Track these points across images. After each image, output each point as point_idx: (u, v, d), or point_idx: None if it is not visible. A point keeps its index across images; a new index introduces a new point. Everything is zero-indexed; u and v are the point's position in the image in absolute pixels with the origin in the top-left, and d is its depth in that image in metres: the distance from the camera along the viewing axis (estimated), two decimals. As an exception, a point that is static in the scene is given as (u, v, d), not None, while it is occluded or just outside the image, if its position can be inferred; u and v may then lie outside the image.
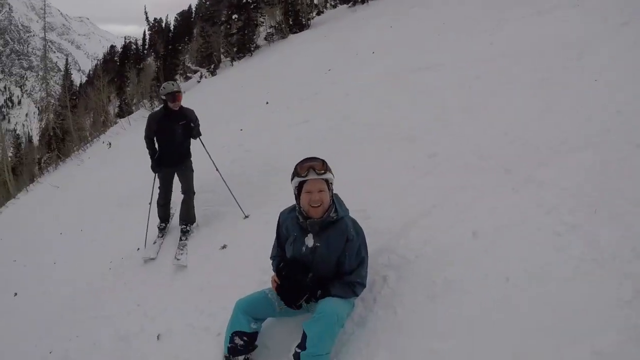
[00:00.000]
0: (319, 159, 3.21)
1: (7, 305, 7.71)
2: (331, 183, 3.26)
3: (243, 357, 3.42)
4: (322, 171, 3.16)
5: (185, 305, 4.58)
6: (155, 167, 6.21)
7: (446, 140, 5.15)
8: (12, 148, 41.98)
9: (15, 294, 7.92)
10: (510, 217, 3.52)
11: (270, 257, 3.68)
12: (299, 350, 3.00)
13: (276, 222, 3.61)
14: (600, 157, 3.72)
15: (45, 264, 8.49)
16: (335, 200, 3.33)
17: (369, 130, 6.35)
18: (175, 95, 5.85)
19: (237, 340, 3.35)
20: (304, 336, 2.99)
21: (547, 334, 2.54)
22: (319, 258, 3.28)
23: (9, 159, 35.46)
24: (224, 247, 5.38)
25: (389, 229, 4.03)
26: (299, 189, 3.28)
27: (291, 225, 3.44)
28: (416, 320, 3.12)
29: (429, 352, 2.85)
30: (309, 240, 3.31)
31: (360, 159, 5.69)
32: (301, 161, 3.24)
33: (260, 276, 4.02)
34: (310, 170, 3.15)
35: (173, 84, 5.98)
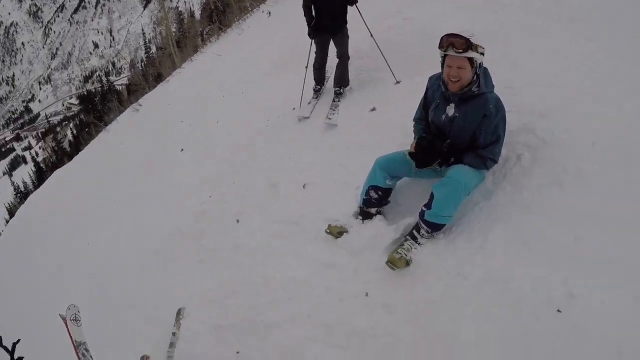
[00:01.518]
0: (463, 37, 3.20)
1: (175, 158, 8.90)
2: (476, 60, 3.27)
3: (375, 209, 3.92)
4: (461, 50, 3.19)
5: (331, 160, 5.11)
6: (313, 33, 6.44)
7: (605, 26, 4.71)
8: (175, 23, 44.19)
9: (182, 150, 9.06)
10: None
11: (413, 120, 3.92)
12: (424, 209, 3.38)
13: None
14: None
15: (208, 123, 9.35)
16: (481, 75, 3.36)
17: (545, 9, 5.88)
18: None
19: (372, 194, 3.82)
20: (431, 197, 3.34)
21: None
22: (456, 128, 3.46)
23: (173, 33, 37.44)
24: (374, 109, 5.70)
25: (533, 110, 3.99)
26: (442, 60, 3.41)
27: (436, 91, 3.60)
28: (538, 204, 3.28)
29: (542, 235, 3.06)
30: (450, 110, 3.48)
31: (525, 31, 5.37)
32: (447, 34, 3.28)
33: (402, 139, 4.21)
34: (450, 46, 3.22)
35: None
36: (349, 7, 6.31)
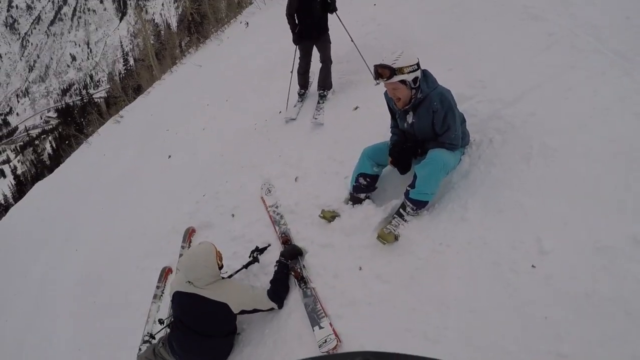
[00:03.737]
0: (387, 66, 3.55)
1: (163, 165, 9.25)
2: (407, 79, 3.60)
3: (364, 195, 4.31)
4: (387, 78, 3.58)
5: (320, 154, 5.50)
6: (297, 40, 6.84)
7: (566, 20, 5.20)
8: (152, 36, 44.24)
9: (169, 156, 9.38)
10: (612, 99, 3.83)
11: (390, 127, 4.29)
12: (409, 189, 3.78)
13: None
14: None
15: (194, 130, 9.71)
16: (422, 80, 3.71)
17: (496, 7, 6.35)
18: None
19: (361, 181, 4.21)
20: (415, 177, 3.73)
21: (618, 203, 3.08)
22: (418, 130, 3.89)
23: (152, 45, 37.56)
24: (357, 108, 6.09)
25: (502, 99, 4.47)
26: None
27: (395, 105, 3.99)
28: (509, 177, 3.72)
29: (515, 204, 3.49)
30: (409, 117, 3.89)
31: (485, 32, 5.87)
32: (376, 65, 3.63)
33: (385, 131, 4.45)
34: (379, 77, 3.63)
35: None
36: (329, 15, 6.71)
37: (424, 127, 3.83)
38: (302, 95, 7.36)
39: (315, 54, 6.95)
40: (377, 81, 3.73)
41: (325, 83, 6.96)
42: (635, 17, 4.71)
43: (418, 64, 3.64)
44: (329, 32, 6.88)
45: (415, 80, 3.65)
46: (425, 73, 3.79)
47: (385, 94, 3.99)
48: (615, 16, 4.87)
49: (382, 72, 3.59)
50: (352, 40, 6.95)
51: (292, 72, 7.27)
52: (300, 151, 5.88)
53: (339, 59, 7.32)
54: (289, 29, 6.81)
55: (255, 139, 7.18)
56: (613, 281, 2.72)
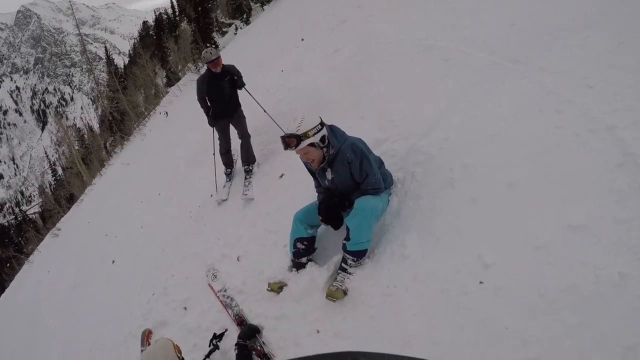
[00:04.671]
0: (293, 135, 3.67)
1: (108, 272, 9.02)
2: (314, 141, 3.70)
3: (305, 258, 4.27)
4: (294, 146, 3.70)
5: (256, 229, 5.47)
6: (212, 122, 6.95)
7: (458, 43, 5.56)
8: (76, 141, 44.11)
9: (113, 262, 9.20)
10: (515, 103, 4.07)
11: (315, 187, 4.33)
12: (345, 242, 3.77)
13: None
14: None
15: (133, 230, 9.62)
16: (330, 136, 3.82)
17: (393, 47, 6.76)
18: (214, 62, 6.52)
19: (299, 245, 4.19)
20: (347, 229, 3.74)
21: (545, 199, 3.18)
22: (339, 184, 3.94)
23: (77, 150, 37.46)
24: (282, 176, 6.16)
25: (414, 133, 4.65)
26: None
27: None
28: (438, 205, 3.80)
29: (449, 229, 3.54)
30: (328, 174, 3.95)
31: (387, 73, 6.19)
32: (282, 136, 3.74)
33: (313, 193, 4.51)
34: (288, 146, 3.73)
35: (211, 52, 6.59)
36: (239, 91, 6.87)
37: (344, 180, 3.88)
38: (229, 175, 7.39)
39: (233, 131, 7.03)
40: (288, 150, 3.77)
41: (248, 158, 7.01)
42: (519, 22, 5.12)
43: (321, 123, 3.74)
44: (242, 107, 7.01)
45: (322, 139, 3.74)
46: (332, 128, 3.88)
47: (301, 158, 4.05)
48: (501, 26, 5.27)
49: (290, 141, 3.68)
50: (265, 111, 7.10)
51: (214, 154, 7.32)
52: (237, 230, 5.84)
53: (257, 131, 7.44)
54: (203, 112, 6.90)
55: (192, 227, 7.14)
56: (561, 273, 2.76)
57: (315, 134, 3.68)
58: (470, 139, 4.10)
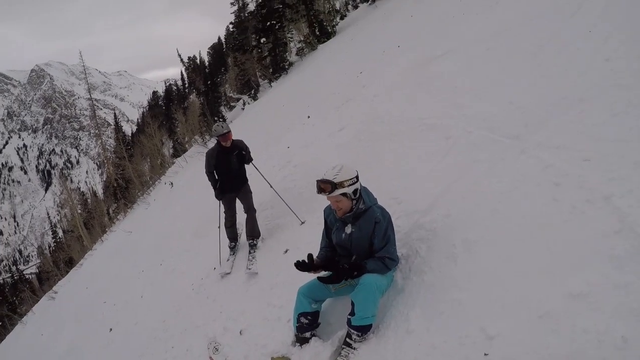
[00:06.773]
0: (329, 181, 3.82)
1: (105, 339, 8.87)
2: (347, 192, 3.87)
3: (309, 333, 4.24)
4: (328, 192, 3.83)
5: (259, 303, 5.45)
6: (219, 195, 7.10)
7: (459, 121, 5.75)
8: (79, 205, 44.27)
9: (111, 330, 9.06)
10: (515, 179, 4.18)
11: (320, 248, 4.42)
12: (350, 317, 3.77)
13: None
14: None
15: (132, 299, 9.55)
16: (363, 193, 4.01)
17: (396, 125, 6.99)
18: (225, 136, 6.77)
19: (303, 320, 4.18)
20: (352, 304, 3.75)
21: (545, 270, 3.21)
22: (355, 241, 4.00)
23: (79, 214, 37.52)
24: (286, 251, 6.23)
25: (417, 210, 4.73)
26: None
27: (334, 218, 4.20)
28: (441, 279, 3.82)
29: (452, 303, 3.54)
30: (348, 229, 4.05)
31: (391, 152, 6.37)
32: (318, 180, 3.90)
33: None
34: (322, 191, 3.87)
35: (222, 126, 6.84)
36: (246, 166, 7.05)
37: (363, 237, 3.95)
38: (233, 248, 7.43)
39: (240, 205, 7.15)
40: (321, 194, 3.89)
41: (253, 232, 7.08)
42: (517, 100, 5.30)
43: (357, 177, 3.90)
44: (249, 182, 7.16)
45: (355, 192, 3.89)
46: (366, 189, 4.06)
47: (325, 210, 4.22)
48: (501, 104, 5.46)
49: (324, 187, 3.82)
50: (271, 187, 7.25)
51: (219, 227, 7.40)
52: (240, 304, 5.82)
53: (263, 206, 7.55)
54: (210, 185, 7.04)
55: (194, 299, 7.11)
56: (565, 340, 2.74)
57: (350, 185, 3.83)
58: (471, 214, 4.18)
